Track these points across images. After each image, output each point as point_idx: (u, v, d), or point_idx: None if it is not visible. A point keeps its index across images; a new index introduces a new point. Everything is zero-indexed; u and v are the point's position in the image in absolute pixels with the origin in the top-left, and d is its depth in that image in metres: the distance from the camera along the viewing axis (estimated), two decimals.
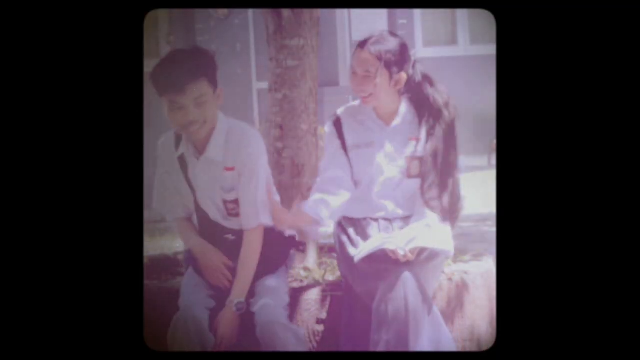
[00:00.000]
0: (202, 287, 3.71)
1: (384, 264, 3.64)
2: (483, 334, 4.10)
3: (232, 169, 3.68)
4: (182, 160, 3.74)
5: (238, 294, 3.65)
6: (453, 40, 11.73)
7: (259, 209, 3.70)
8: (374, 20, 11.03)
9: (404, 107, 3.90)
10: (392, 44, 3.82)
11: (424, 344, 3.55)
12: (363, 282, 3.72)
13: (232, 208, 3.74)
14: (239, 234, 3.75)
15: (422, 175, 3.82)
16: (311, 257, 4.42)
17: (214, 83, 3.61)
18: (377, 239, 3.72)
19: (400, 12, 11.11)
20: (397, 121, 3.89)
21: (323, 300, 3.91)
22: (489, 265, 4.24)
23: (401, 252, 3.60)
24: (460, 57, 11.37)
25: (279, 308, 3.65)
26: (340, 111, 3.95)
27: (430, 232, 3.71)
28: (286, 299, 3.73)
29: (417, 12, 11.35)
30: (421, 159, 3.84)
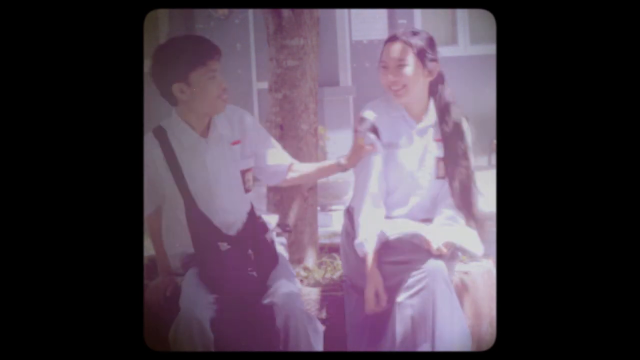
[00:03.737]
0: (203, 288, 3.70)
1: (411, 253, 3.67)
2: (483, 334, 4.10)
3: (238, 142, 3.79)
4: (174, 163, 3.73)
5: None
6: (453, 40, 11.71)
7: (285, 155, 3.90)
8: (374, 20, 11.03)
9: (432, 106, 3.90)
10: (421, 34, 3.86)
11: (444, 339, 3.59)
12: (383, 268, 3.73)
13: (248, 179, 3.80)
14: (234, 242, 3.72)
15: (449, 177, 3.83)
16: (311, 257, 4.41)
17: None
18: (412, 225, 3.75)
19: (400, 12, 11.09)
20: (426, 120, 3.88)
21: (323, 300, 3.91)
22: (488, 265, 4.24)
23: (435, 245, 3.65)
24: (460, 57, 11.35)
25: (299, 297, 3.65)
26: (371, 114, 3.82)
27: (462, 232, 3.77)
28: (300, 289, 3.74)
29: (417, 12, 11.33)
30: (445, 161, 3.86)
